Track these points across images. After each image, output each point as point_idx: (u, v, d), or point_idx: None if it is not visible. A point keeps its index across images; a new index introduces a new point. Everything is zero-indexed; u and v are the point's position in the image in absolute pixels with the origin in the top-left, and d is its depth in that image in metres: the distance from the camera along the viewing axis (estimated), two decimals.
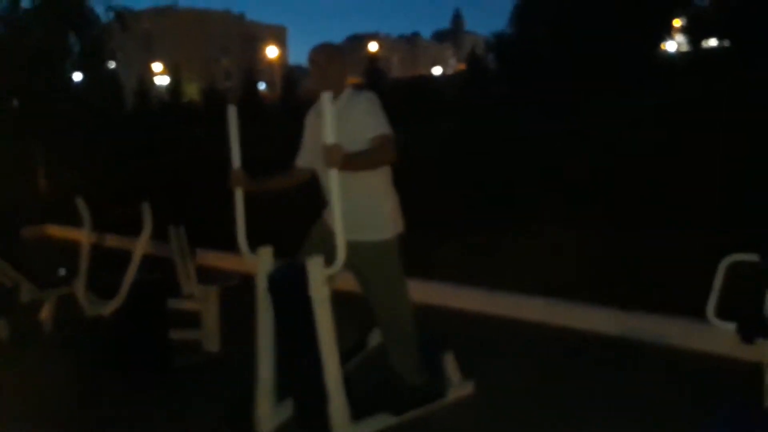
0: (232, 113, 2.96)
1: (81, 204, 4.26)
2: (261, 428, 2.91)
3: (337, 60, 2.99)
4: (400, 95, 26.34)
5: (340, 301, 2.82)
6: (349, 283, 3.12)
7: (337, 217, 2.64)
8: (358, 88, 3.15)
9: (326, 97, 2.59)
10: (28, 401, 3.61)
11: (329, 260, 2.67)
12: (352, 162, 2.68)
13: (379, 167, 2.90)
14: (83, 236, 4.24)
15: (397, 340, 3.09)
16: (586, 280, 4.41)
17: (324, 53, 2.99)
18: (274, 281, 2.87)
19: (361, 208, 2.91)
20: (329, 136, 2.59)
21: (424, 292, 4.59)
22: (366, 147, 2.80)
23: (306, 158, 3.17)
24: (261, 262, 2.89)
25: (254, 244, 2.97)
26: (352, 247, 2.81)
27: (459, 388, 3.23)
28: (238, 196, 3.03)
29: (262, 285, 2.91)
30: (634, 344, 3.73)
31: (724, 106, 9.90)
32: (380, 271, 3.01)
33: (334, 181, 2.63)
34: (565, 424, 2.95)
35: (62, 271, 5.03)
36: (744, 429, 2.10)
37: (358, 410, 2.79)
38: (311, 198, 3.23)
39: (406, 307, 3.10)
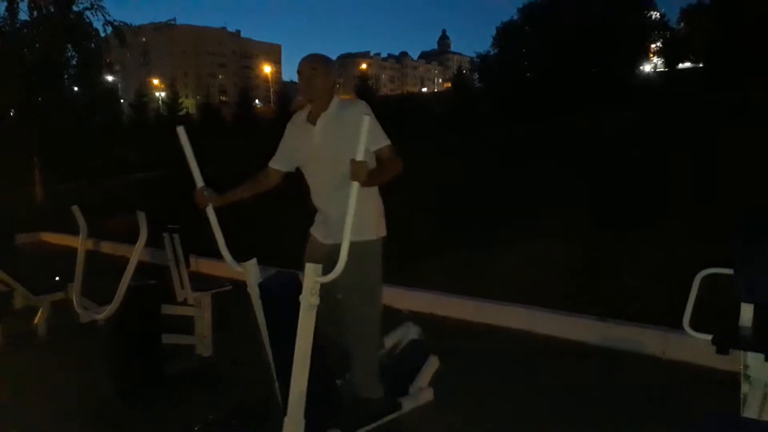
0: (182, 133, 2.88)
1: (77, 211, 4.31)
2: None
3: (321, 69, 3.01)
4: (390, 111, 26.50)
5: None
6: None
7: (347, 224, 2.60)
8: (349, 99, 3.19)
9: (366, 119, 2.57)
10: (21, 407, 3.62)
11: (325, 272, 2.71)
12: (373, 179, 2.73)
13: (391, 180, 2.92)
14: (79, 243, 4.28)
15: (364, 348, 3.07)
16: (568, 292, 4.52)
17: (308, 63, 3.02)
18: (264, 290, 2.91)
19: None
20: (360, 153, 2.60)
21: (413, 300, 4.67)
22: (367, 158, 2.77)
23: (283, 162, 3.21)
24: (249, 275, 2.91)
25: (245, 254, 3.02)
26: (337, 250, 2.87)
27: (418, 396, 3.20)
28: (209, 212, 2.99)
29: (255, 296, 2.93)
30: (613, 353, 3.82)
31: (700, 124, 10.09)
32: (361, 272, 2.98)
33: (354, 192, 2.61)
34: (543, 429, 3.01)
35: (57, 278, 5.07)
36: None
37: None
38: (295, 207, 3.28)
39: (378, 316, 3.11)
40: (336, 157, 2.85)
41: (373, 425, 2.98)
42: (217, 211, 3.00)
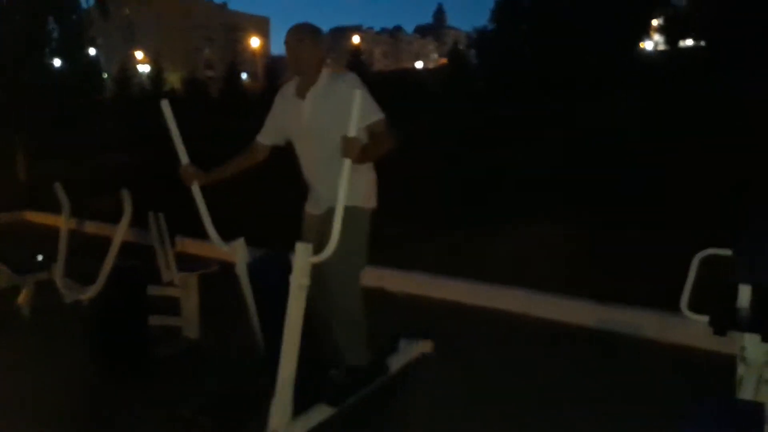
0: (166, 108, 2.81)
1: (60, 189, 4.22)
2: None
3: (308, 40, 2.92)
4: (384, 88, 26.23)
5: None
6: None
7: (339, 204, 2.55)
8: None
9: (358, 93, 2.50)
10: (3, 390, 3.55)
11: (317, 251, 2.63)
12: (365, 154, 2.67)
13: (385, 155, 2.87)
14: (62, 222, 4.20)
15: (347, 314, 3.00)
16: (565, 274, 4.47)
17: (295, 33, 2.93)
18: (253, 271, 2.86)
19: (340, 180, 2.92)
20: (352, 129, 2.54)
21: (407, 282, 4.63)
22: (361, 133, 2.74)
23: (271, 136, 3.12)
24: (238, 255, 2.85)
25: (234, 232, 2.96)
26: (327, 215, 2.79)
27: (408, 352, 3.22)
28: (195, 190, 2.93)
29: (244, 276, 2.88)
30: (610, 336, 3.80)
31: (700, 108, 10.07)
32: (345, 236, 2.83)
33: (345, 170, 2.55)
34: (540, 413, 2.99)
35: (40, 257, 4.98)
36: (717, 419, 2.14)
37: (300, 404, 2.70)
38: (284, 186, 3.21)
39: (358, 285, 3.04)
40: (326, 133, 2.79)
41: (361, 392, 2.96)
42: (205, 190, 2.93)
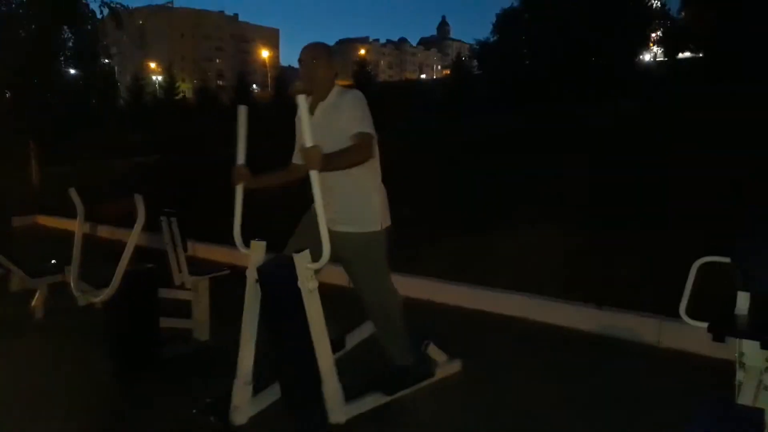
0: (242, 112, 3.00)
1: (74, 194, 4.29)
2: (235, 420, 2.98)
3: (322, 59, 3.02)
4: (389, 97, 26.41)
5: (328, 294, 2.90)
6: (340, 277, 3.20)
7: (319, 215, 2.68)
8: (348, 87, 3.19)
9: (301, 100, 2.64)
10: (18, 389, 3.62)
11: (318, 250, 2.73)
12: (331, 163, 2.72)
13: (356, 165, 2.93)
14: (76, 226, 4.26)
15: (385, 325, 3.20)
16: (565, 279, 4.52)
17: (310, 52, 3.03)
18: (263, 273, 2.93)
19: (351, 201, 3.00)
20: (307, 139, 2.63)
21: (410, 287, 4.67)
22: (347, 144, 2.84)
23: (299, 156, 3.23)
24: (253, 255, 2.94)
25: (246, 237, 3.04)
26: (342, 239, 2.88)
27: (446, 367, 3.39)
28: (239, 191, 3.07)
29: (251, 278, 2.97)
30: (609, 341, 3.83)
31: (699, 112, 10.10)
32: (367, 262, 3.09)
33: (315, 181, 2.67)
34: (539, 417, 3.02)
35: (53, 261, 5.06)
36: (716, 425, 2.16)
37: (351, 392, 2.90)
38: (302, 193, 3.29)
39: (392, 296, 3.20)
40: (331, 146, 2.84)
41: (411, 389, 3.20)
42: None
